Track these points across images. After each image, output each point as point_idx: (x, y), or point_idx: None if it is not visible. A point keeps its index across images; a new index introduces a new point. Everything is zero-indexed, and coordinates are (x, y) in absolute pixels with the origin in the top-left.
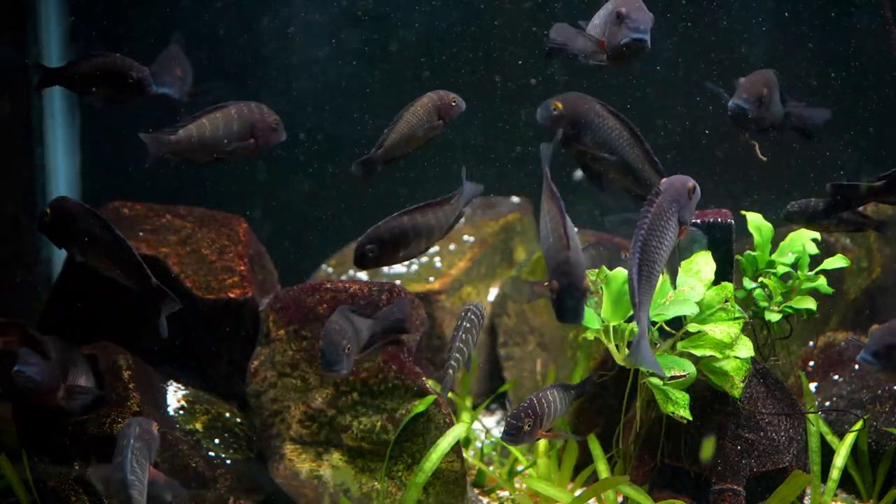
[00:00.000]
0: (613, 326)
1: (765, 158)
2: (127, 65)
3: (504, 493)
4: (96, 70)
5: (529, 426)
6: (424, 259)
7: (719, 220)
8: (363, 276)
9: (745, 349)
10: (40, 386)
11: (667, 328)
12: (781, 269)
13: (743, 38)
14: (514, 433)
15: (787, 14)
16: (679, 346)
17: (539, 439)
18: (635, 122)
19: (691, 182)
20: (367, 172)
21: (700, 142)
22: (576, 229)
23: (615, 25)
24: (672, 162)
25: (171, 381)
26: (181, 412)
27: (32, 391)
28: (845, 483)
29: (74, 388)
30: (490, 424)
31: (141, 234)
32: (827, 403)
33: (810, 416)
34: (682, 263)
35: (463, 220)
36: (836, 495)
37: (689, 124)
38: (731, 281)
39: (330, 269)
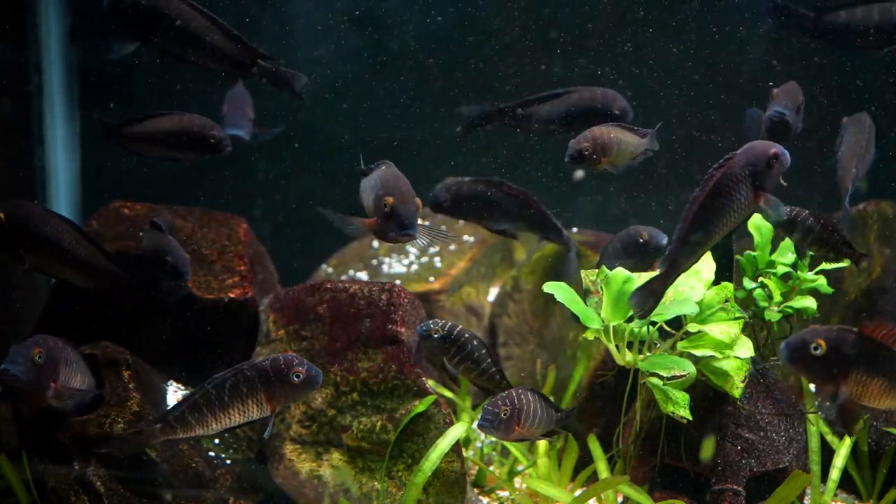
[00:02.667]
0: (613, 326)
1: (785, 184)
2: (207, 125)
3: (504, 493)
4: (168, 131)
5: (506, 414)
6: (424, 259)
7: None
8: (363, 276)
9: (746, 349)
10: (27, 385)
11: (667, 328)
12: (781, 269)
13: (745, 42)
14: (490, 418)
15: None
16: (679, 346)
17: (517, 439)
18: (639, 120)
19: (774, 149)
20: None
21: (700, 142)
22: None
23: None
24: (673, 161)
25: (171, 381)
26: None
27: (20, 390)
28: (845, 483)
29: (65, 391)
30: None
31: (141, 234)
32: (827, 403)
33: (810, 416)
34: None
35: (462, 222)
36: (836, 495)
37: (689, 125)
38: (731, 281)
39: (330, 269)
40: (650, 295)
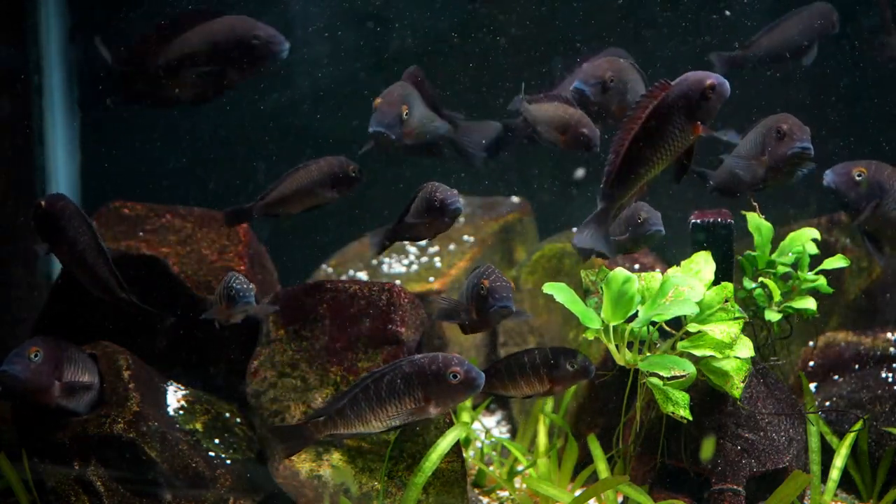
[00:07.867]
0: (613, 326)
1: (756, 205)
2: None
3: (504, 493)
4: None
5: None
6: (424, 259)
7: (719, 219)
8: (363, 276)
9: (746, 349)
10: (28, 385)
11: (667, 328)
12: (781, 269)
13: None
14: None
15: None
16: (679, 346)
17: None
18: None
19: (711, 79)
20: (240, 220)
21: (702, 141)
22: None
23: (777, 141)
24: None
25: (171, 381)
26: (181, 412)
27: (21, 390)
28: (845, 483)
29: (71, 385)
30: (490, 424)
31: (141, 234)
32: (827, 403)
33: (810, 416)
34: (682, 263)
35: (463, 219)
36: (836, 495)
37: None
38: (731, 281)
39: (330, 269)
40: (594, 232)
